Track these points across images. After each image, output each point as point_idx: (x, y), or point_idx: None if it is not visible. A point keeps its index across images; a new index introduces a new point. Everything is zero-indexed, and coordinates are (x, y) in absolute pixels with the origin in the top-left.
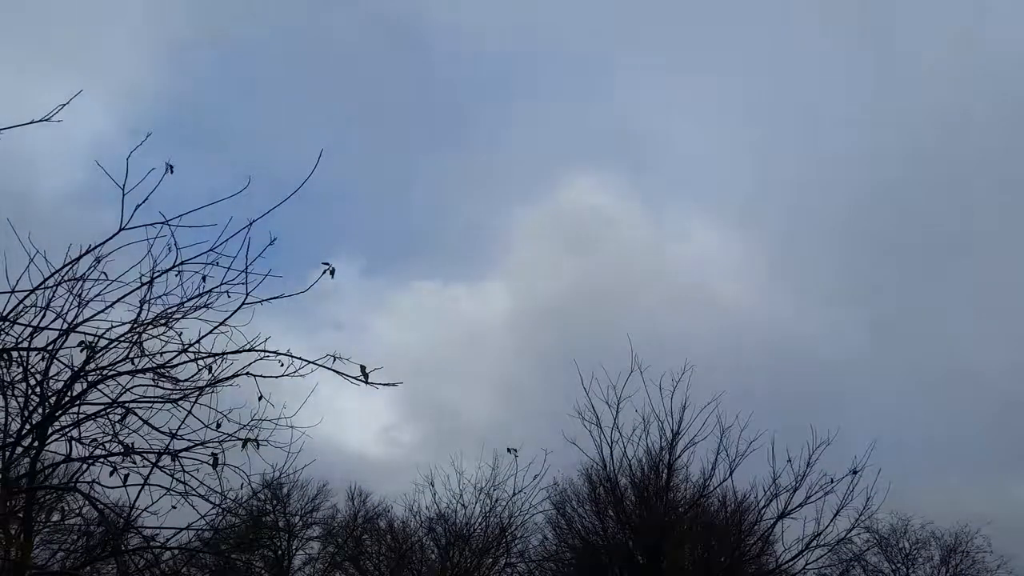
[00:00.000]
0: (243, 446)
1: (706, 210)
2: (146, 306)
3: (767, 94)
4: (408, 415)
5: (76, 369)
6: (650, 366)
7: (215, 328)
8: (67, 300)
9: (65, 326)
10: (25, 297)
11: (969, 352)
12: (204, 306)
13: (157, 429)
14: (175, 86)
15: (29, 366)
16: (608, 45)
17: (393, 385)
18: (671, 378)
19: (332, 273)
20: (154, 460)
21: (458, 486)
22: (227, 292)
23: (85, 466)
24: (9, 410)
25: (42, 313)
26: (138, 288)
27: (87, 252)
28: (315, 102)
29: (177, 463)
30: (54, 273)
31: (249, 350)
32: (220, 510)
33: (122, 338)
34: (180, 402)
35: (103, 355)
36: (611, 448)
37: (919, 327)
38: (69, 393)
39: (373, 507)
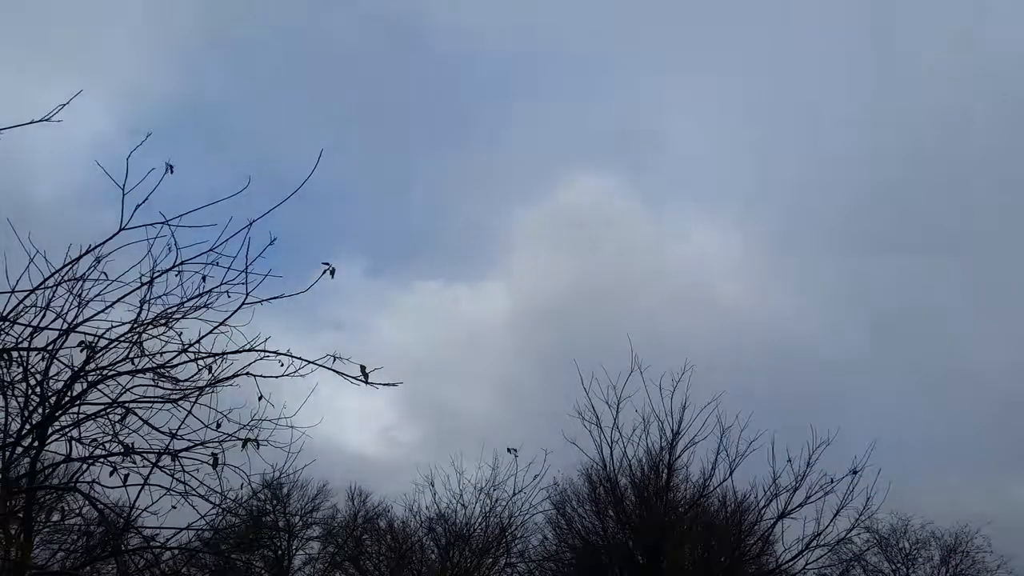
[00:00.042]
0: (243, 446)
1: (706, 210)
2: (146, 306)
3: (767, 94)
4: (408, 415)
5: (76, 369)
6: (650, 366)
7: (215, 328)
8: (67, 300)
9: (65, 326)
10: (25, 297)
11: (969, 352)
12: (204, 306)
13: (157, 429)
14: (175, 86)
15: (29, 366)
16: (608, 45)
17: (393, 385)
18: (671, 378)
19: (332, 273)
20: (154, 460)
21: (458, 486)
22: (227, 292)
23: (85, 466)
24: (9, 410)
25: (42, 313)
26: (138, 288)
27: (87, 252)
28: (315, 102)
29: (177, 463)
30: (54, 273)
31: (249, 350)
32: (220, 510)
33: (122, 338)
34: (180, 402)
35: (103, 355)
36: (611, 448)
37: (919, 327)
38: (69, 393)
39: (373, 507)
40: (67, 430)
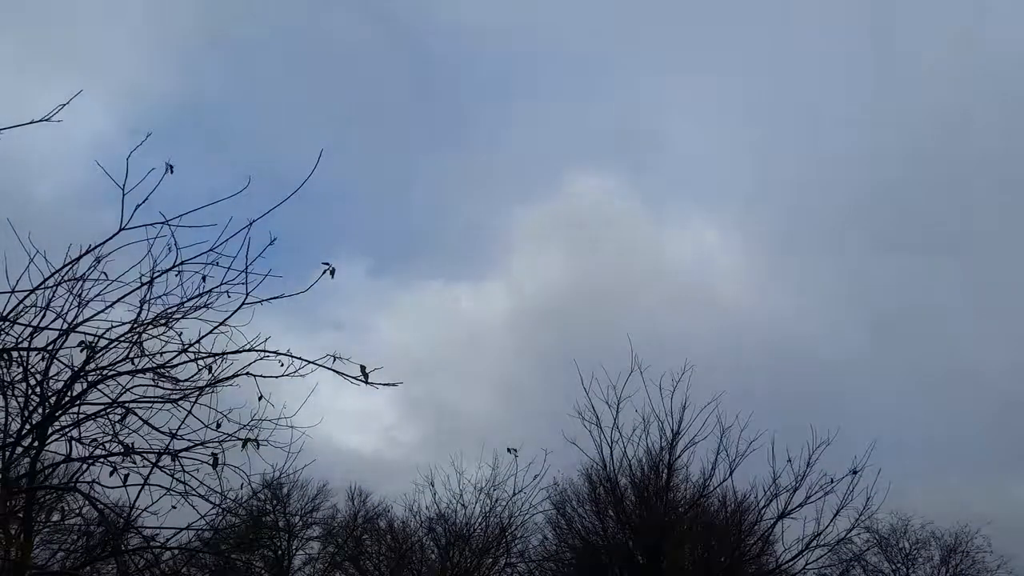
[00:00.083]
0: (243, 446)
1: (706, 210)
2: (146, 306)
3: (767, 94)
4: (408, 415)
5: (76, 369)
6: (650, 366)
7: (215, 328)
8: (67, 300)
9: (65, 326)
10: (25, 297)
11: (969, 352)
12: (204, 306)
13: (157, 429)
14: (175, 86)
15: (29, 366)
16: (608, 45)
17: (393, 385)
18: (671, 378)
19: (332, 273)
20: (154, 460)
21: (458, 486)
22: (227, 292)
23: (85, 466)
24: (9, 410)
25: (42, 313)
26: (138, 288)
27: (87, 252)
28: (315, 102)
29: (177, 463)
30: (54, 273)
31: (249, 350)
32: (220, 510)
33: (122, 338)
34: (180, 402)
35: (103, 355)
36: (611, 448)
37: (919, 327)
38: (69, 393)
39: (373, 507)
40: (67, 430)
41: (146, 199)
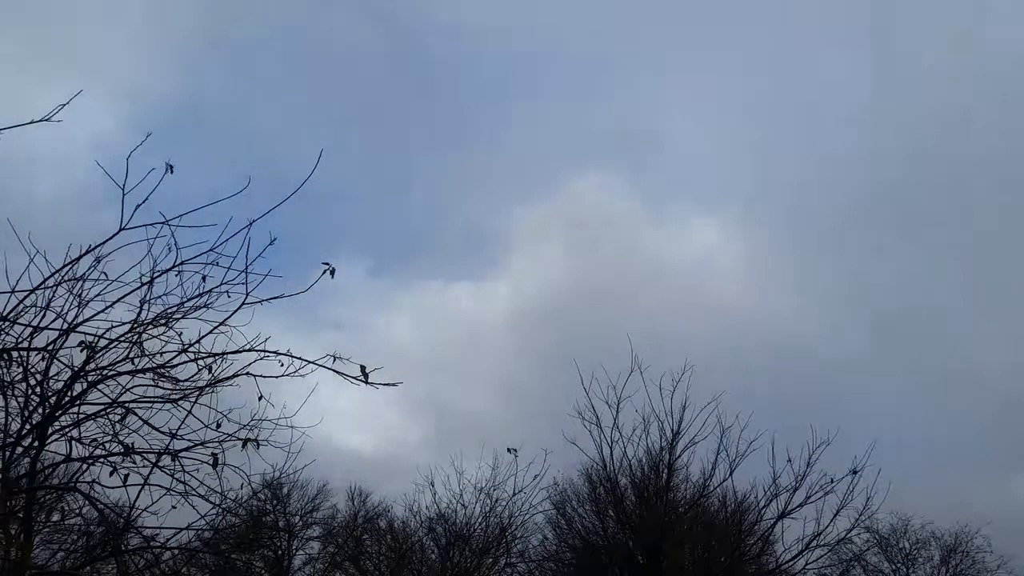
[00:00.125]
0: (243, 446)
1: (706, 210)
2: (146, 306)
3: (767, 94)
4: (408, 415)
5: (76, 369)
6: (650, 366)
7: (215, 328)
8: (67, 300)
9: (65, 326)
10: (25, 297)
11: (969, 352)
12: (204, 306)
13: (157, 429)
14: (175, 86)
15: (29, 366)
16: (608, 45)
17: (393, 385)
18: (671, 378)
19: (332, 273)
20: (154, 460)
21: (458, 486)
22: (227, 292)
23: (85, 466)
24: (9, 410)
25: (42, 313)
26: (138, 288)
27: (87, 252)
28: (315, 102)
29: (177, 463)
30: (54, 273)
31: (249, 350)
32: (220, 510)
33: (122, 338)
34: (180, 402)
35: (103, 355)
36: (611, 448)
37: (919, 327)
38: (69, 393)
39: (373, 507)
40: (67, 430)
41: (146, 199)
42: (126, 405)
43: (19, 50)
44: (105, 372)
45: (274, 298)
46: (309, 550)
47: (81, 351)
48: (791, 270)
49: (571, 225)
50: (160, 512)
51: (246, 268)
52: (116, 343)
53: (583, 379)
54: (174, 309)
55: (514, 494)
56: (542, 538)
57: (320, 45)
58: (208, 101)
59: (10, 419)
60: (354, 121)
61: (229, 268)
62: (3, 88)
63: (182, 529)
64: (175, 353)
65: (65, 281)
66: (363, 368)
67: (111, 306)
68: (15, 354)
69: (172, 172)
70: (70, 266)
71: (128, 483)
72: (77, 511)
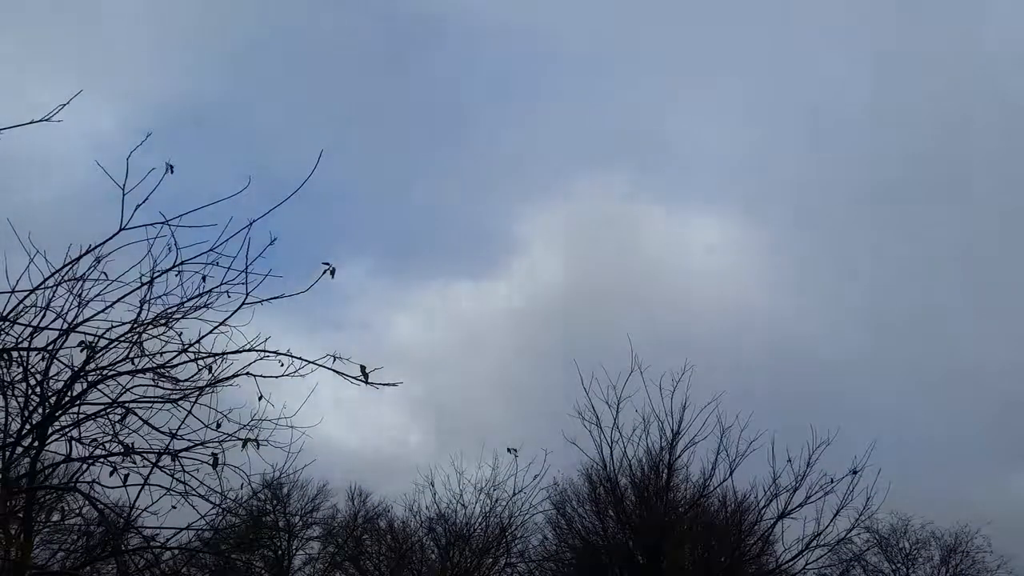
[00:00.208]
0: (243, 446)
1: (706, 210)
2: (146, 306)
3: (767, 94)
4: (408, 415)
5: (76, 369)
6: (650, 366)
7: (215, 328)
8: (67, 300)
9: (65, 326)
10: (25, 297)
11: (969, 352)
12: (204, 306)
13: (157, 429)
14: (175, 86)
15: (29, 366)
16: (609, 45)
17: (393, 385)
18: (671, 378)
19: (332, 273)
20: (154, 460)
21: (458, 486)
22: (227, 292)
23: (85, 466)
24: (9, 410)
25: (42, 313)
26: (138, 288)
27: (87, 252)
28: (315, 102)
29: (177, 463)
30: (54, 273)
31: (249, 350)
32: (220, 510)
33: (122, 338)
34: (180, 402)
35: (103, 355)
36: (611, 448)
37: (919, 327)
38: (69, 393)
39: (373, 507)
40: (67, 430)
41: (146, 199)
42: (126, 405)
43: (19, 50)
44: (105, 372)
45: (274, 298)
46: (309, 550)
47: (81, 351)
48: (791, 270)
49: (571, 225)
50: (160, 512)
51: (246, 268)
52: (116, 343)
53: (583, 379)
54: (174, 309)
55: (514, 494)
56: (542, 538)
57: (320, 45)
58: (208, 101)
59: (10, 419)
60: (354, 121)
61: (229, 268)
62: (3, 88)
63: (182, 529)
64: (175, 353)
65: (65, 281)
66: (363, 368)
67: (111, 306)
68: (15, 354)
69: (172, 172)
70: (70, 266)
71: (128, 483)
72: (77, 511)
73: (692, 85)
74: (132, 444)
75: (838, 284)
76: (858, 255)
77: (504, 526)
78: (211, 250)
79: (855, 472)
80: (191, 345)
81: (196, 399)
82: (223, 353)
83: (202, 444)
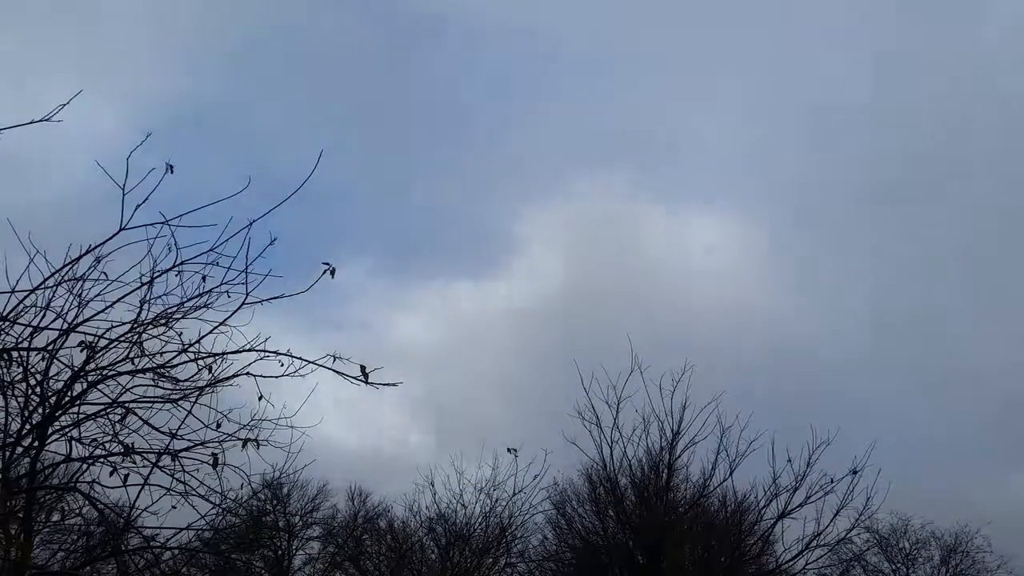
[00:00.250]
0: (243, 446)
1: (706, 210)
2: (146, 306)
3: (767, 94)
4: (408, 415)
5: (76, 369)
6: (650, 366)
7: (215, 328)
8: (67, 300)
9: (65, 326)
10: (25, 297)
11: (969, 352)
12: (204, 306)
13: (157, 429)
14: (175, 86)
15: (29, 366)
16: (609, 45)
17: (393, 385)
18: (671, 378)
19: (332, 273)
20: (154, 460)
21: (458, 486)
22: (227, 292)
23: (85, 466)
24: (9, 410)
25: (42, 313)
26: (138, 288)
27: (87, 252)
28: (315, 102)
29: (177, 463)
30: (54, 273)
31: (249, 350)
32: (220, 510)
33: (122, 338)
34: (180, 402)
35: (103, 355)
36: (611, 448)
37: (919, 327)
38: (69, 393)
39: (373, 507)
40: (67, 430)
41: (146, 199)
42: (126, 405)
43: (19, 50)
44: (105, 372)
45: (274, 298)
46: (309, 550)
47: (81, 351)
48: (791, 270)
49: (571, 225)
50: (160, 512)
51: (246, 268)
52: (116, 343)
53: (583, 379)
54: (174, 309)
55: (514, 494)
56: (542, 538)
57: (320, 45)
58: (208, 101)
59: (10, 419)
60: (354, 121)
61: (229, 268)
62: (3, 88)
63: (182, 529)
64: (175, 353)
65: (65, 281)
66: (363, 368)
67: (111, 306)
68: (15, 354)
69: (172, 172)
70: (70, 266)
71: (128, 483)
72: (77, 511)
73: (692, 85)
74: (132, 444)
75: (838, 284)
76: (858, 255)
77: (504, 526)
78: (211, 250)
79: (855, 472)
80: (191, 345)
81: (196, 399)
82: (223, 353)
83: (202, 444)
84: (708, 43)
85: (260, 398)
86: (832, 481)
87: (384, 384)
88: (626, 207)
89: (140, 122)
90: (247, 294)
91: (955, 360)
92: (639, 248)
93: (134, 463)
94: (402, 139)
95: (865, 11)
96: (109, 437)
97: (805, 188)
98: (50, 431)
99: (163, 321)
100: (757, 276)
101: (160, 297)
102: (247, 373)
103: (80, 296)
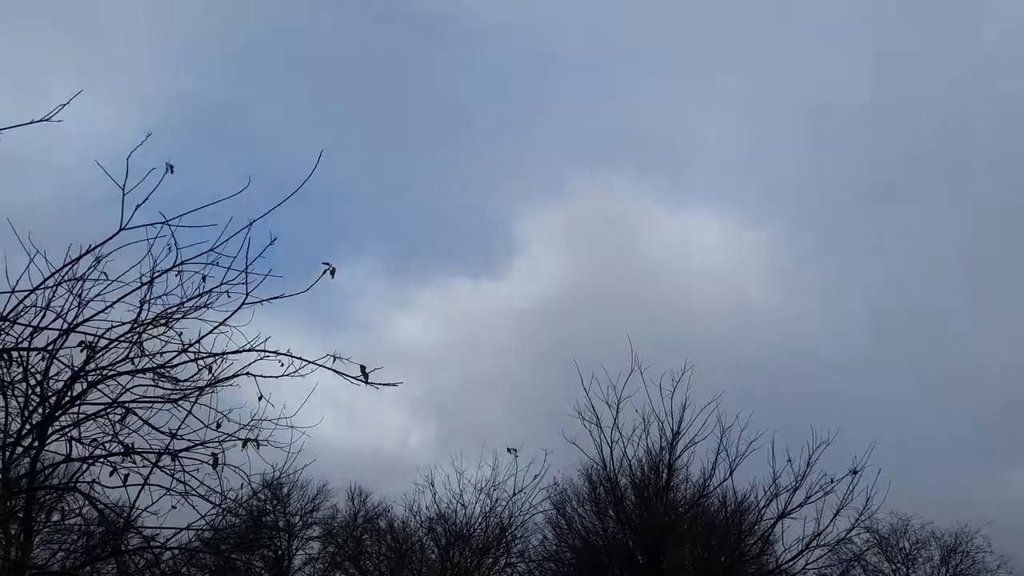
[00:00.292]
0: (243, 446)
1: (706, 210)
2: (146, 306)
3: (767, 94)
4: (409, 415)
5: (76, 369)
6: (650, 366)
7: (215, 328)
8: (67, 300)
9: (65, 326)
10: (25, 297)
11: (969, 352)
12: (204, 306)
13: (157, 429)
14: (175, 86)
15: (29, 366)
16: (609, 45)
17: (393, 385)
18: (671, 378)
19: (332, 273)
20: (154, 460)
21: (458, 486)
22: (227, 292)
23: (85, 466)
24: (9, 410)
25: (42, 313)
26: (138, 288)
27: (87, 252)
28: (315, 102)
29: (177, 463)
30: (54, 273)
31: (249, 350)
32: (220, 510)
33: (122, 338)
34: (180, 402)
35: (103, 355)
36: (611, 448)
37: (919, 327)
38: (69, 393)
39: (373, 507)
40: (67, 430)
41: (146, 199)
42: (126, 405)
43: (19, 50)
44: (105, 372)
45: (274, 298)
46: (309, 550)
47: (81, 351)
48: (791, 270)
49: (571, 225)
50: (160, 512)
51: (246, 268)
52: (116, 343)
53: (583, 379)
54: (174, 309)
55: (514, 494)
56: (542, 538)
57: (320, 45)
58: (208, 101)
59: (10, 419)
60: (354, 121)
61: (229, 268)
62: (3, 88)
63: (182, 529)
64: (175, 353)
65: (65, 281)
66: (363, 368)
67: (111, 306)
68: (15, 354)
69: (172, 172)
70: (70, 266)
71: (128, 483)
72: (77, 511)
73: (692, 85)
74: (132, 444)
75: (838, 284)
76: (858, 255)
77: (504, 526)
78: (211, 250)
79: (855, 472)
80: (191, 345)
81: (196, 399)
82: (223, 353)
83: (202, 444)
84: (708, 43)
85: (260, 398)
86: (832, 481)
87: (384, 384)
88: (626, 207)
89: (140, 122)
90: (247, 294)
91: (955, 360)
92: (639, 248)
93: (134, 463)
94: (402, 139)
95: (865, 11)
96: (109, 437)
97: (805, 188)
98: (50, 431)
99: (163, 321)
100: (757, 276)
101: (160, 297)
102: (247, 373)
103: (80, 296)
